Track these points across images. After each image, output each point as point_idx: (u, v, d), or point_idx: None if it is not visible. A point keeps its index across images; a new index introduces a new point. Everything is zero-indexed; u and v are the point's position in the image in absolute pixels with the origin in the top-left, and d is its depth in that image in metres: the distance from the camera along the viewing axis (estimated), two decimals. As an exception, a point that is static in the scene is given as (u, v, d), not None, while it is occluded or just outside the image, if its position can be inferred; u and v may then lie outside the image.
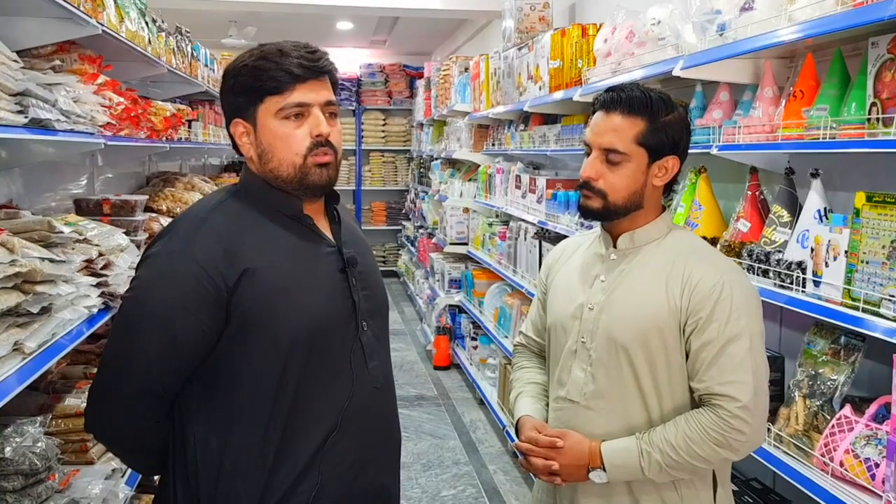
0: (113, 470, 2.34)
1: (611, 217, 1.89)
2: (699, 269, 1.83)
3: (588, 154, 1.90)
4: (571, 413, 1.91)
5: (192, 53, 4.71)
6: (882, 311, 1.94)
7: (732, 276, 1.84)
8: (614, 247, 1.93)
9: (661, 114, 1.84)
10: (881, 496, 1.90)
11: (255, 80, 1.64)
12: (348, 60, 11.42)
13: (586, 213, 1.91)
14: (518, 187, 5.28)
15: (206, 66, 5.20)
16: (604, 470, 1.80)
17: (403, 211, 11.38)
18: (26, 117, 2.00)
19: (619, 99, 1.84)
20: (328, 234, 1.75)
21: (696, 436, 1.75)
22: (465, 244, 6.97)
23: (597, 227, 2.04)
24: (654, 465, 1.77)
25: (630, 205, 1.87)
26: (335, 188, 1.78)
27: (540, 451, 1.87)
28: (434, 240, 7.99)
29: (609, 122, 1.84)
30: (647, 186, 1.87)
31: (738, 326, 1.78)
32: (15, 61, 2.03)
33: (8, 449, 1.91)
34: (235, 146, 1.74)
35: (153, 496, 1.78)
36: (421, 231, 9.15)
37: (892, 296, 1.92)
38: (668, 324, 1.81)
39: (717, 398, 1.76)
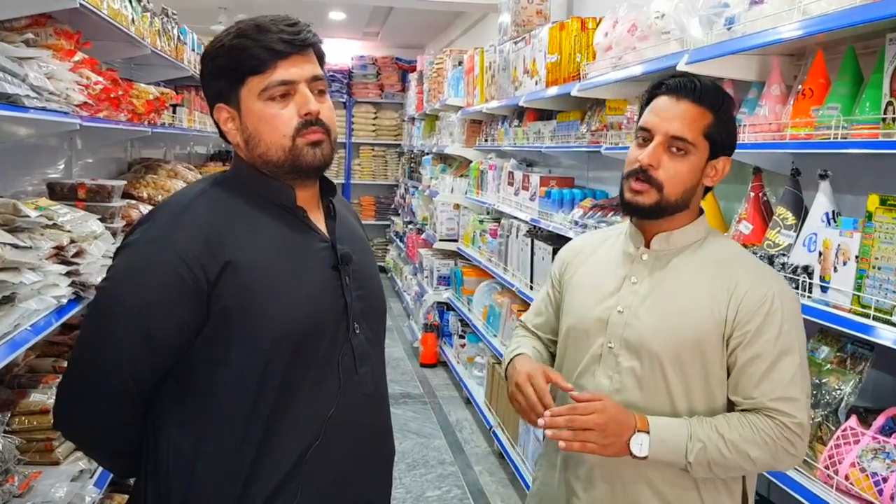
0: (81, 471, 2.22)
1: (659, 215, 1.77)
2: (746, 279, 1.74)
3: (643, 141, 1.76)
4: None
5: (178, 36, 4.60)
6: (894, 319, 1.87)
7: (780, 285, 1.77)
8: (647, 247, 1.82)
9: (726, 108, 1.76)
10: (890, 514, 1.82)
11: (234, 61, 1.53)
12: (340, 52, 11.35)
13: (633, 210, 1.78)
14: (511, 184, 5.20)
15: (193, 50, 5.08)
16: (647, 433, 1.66)
17: (393, 206, 11.32)
18: (-9, 91, 1.88)
19: (691, 86, 1.74)
20: (322, 228, 1.64)
21: (749, 435, 1.67)
22: (455, 241, 6.91)
23: (621, 223, 1.94)
24: (700, 453, 1.66)
25: (681, 203, 1.76)
26: (332, 180, 1.69)
27: (582, 407, 1.66)
28: (423, 236, 7.92)
29: (678, 109, 1.73)
30: (699, 186, 1.78)
31: (788, 340, 1.70)
32: (-18, 32, 1.91)
33: (-39, 451, 1.80)
34: (222, 133, 1.63)
35: (127, 496, 1.67)
36: (410, 226, 9.08)
37: (907, 304, 1.84)
38: (709, 335, 1.72)
39: (769, 412, 1.69)
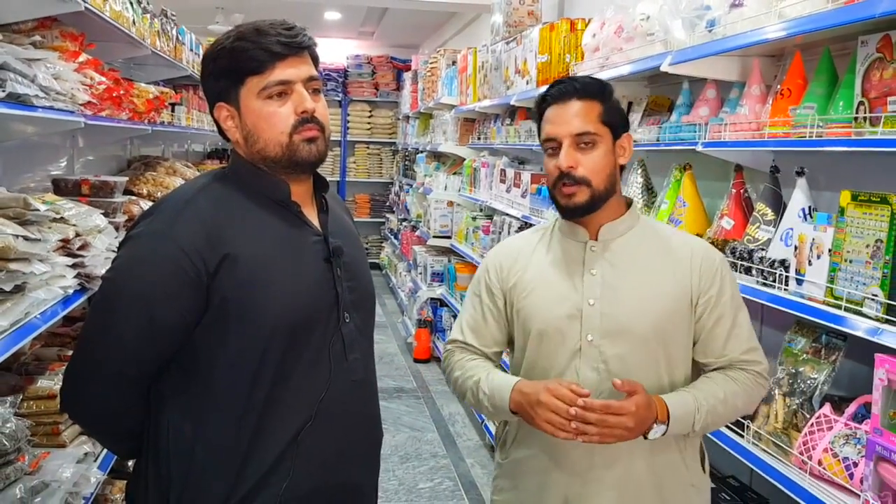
0: (85, 454, 2.30)
1: (596, 207, 1.87)
2: (696, 249, 1.92)
3: (552, 151, 1.87)
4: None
5: (177, 37, 4.66)
6: (864, 310, 1.94)
7: (716, 251, 1.96)
8: (594, 238, 1.90)
9: (609, 94, 1.90)
10: (859, 495, 1.90)
11: (234, 62, 1.61)
12: (335, 51, 11.38)
13: (574, 211, 1.87)
14: (503, 181, 5.26)
15: (192, 50, 5.15)
16: (666, 424, 1.76)
17: (387, 203, 11.35)
18: (3, 91, 1.96)
19: (572, 88, 1.87)
20: (315, 223, 1.72)
21: (735, 388, 1.86)
22: (449, 237, 6.95)
23: (544, 223, 2.04)
24: (703, 417, 1.80)
25: (610, 187, 1.88)
26: (326, 177, 1.77)
27: (616, 408, 1.69)
28: (417, 233, 7.97)
29: (570, 110, 1.85)
30: (616, 167, 1.91)
31: (737, 297, 1.92)
32: (-7, 34, 1.99)
33: (-24, 429, 1.88)
34: (221, 132, 1.71)
35: (126, 482, 1.75)
36: (404, 224, 9.13)
37: (875, 295, 1.92)
38: (682, 304, 1.86)
39: (741, 364, 1.89)
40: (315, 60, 1.70)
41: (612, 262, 1.88)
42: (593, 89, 1.87)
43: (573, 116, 1.84)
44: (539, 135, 1.94)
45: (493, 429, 4.78)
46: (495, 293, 1.97)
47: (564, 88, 1.87)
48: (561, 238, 1.95)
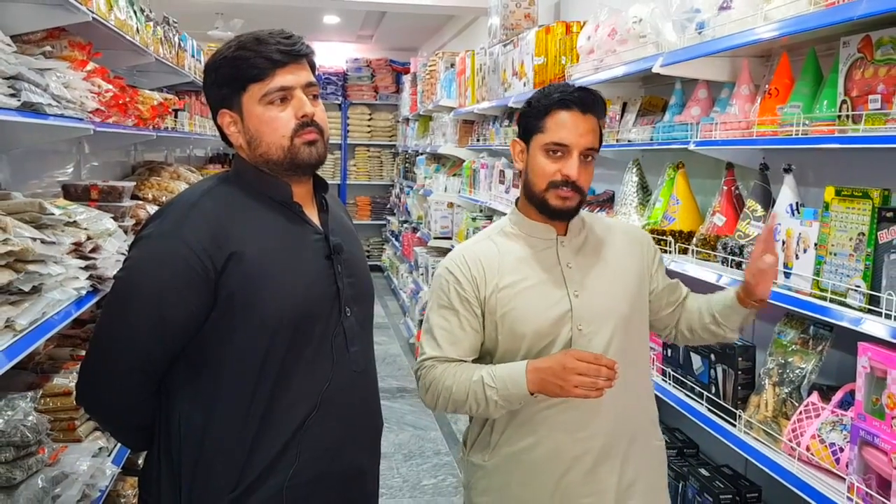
0: (100, 448, 2.38)
1: (578, 212, 2.00)
2: (635, 230, 2.23)
3: (561, 155, 1.91)
4: (589, 404, 1.85)
5: (179, 44, 4.74)
6: (848, 301, 2.01)
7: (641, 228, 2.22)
8: (563, 234, 2.00)
9: (604, 113, 2.02)
10: (844, 479, 1.97)
11: (236, 70, 1.69)
12: (334, 54, 11.42)
13: (563, 214, 1.96)
14: (502, 182, 5.33)
15: (193, 56, 5.22)
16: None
17: (388, 205, 11.39)
18: (19, 101, 2.03)
19: (592, 101, 1.93)
20: (316, 222, 1.79)
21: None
22: (450, 238, 6.99)
23: (495, 225, 2.10)
24: None
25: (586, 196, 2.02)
26: (325, 178, 1.84)
27: None
28: (418, 234, 8.01)
29: (588, 123, 1.92)
30: None
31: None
32: (8, 45, 2.06)
33: (0, 421, 1.95)
34: (224, 137, 1.78)
35: (139, 472, 1.83)
36: (405, 225, 9.18)
37: (858, 286, 1.98)
38: (643, 281, 2.06)
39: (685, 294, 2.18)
40: (312, 67, 1.77)
41: (582, 254, 2.00)
42: (602, 107, 1.97)
43: (588, 131, 1.92)
44: (534, 127, 1.94)
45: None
46: (472, 302, 1.94)
47: (587, 99, 1.93)
48: (525, 238, 2.01)
